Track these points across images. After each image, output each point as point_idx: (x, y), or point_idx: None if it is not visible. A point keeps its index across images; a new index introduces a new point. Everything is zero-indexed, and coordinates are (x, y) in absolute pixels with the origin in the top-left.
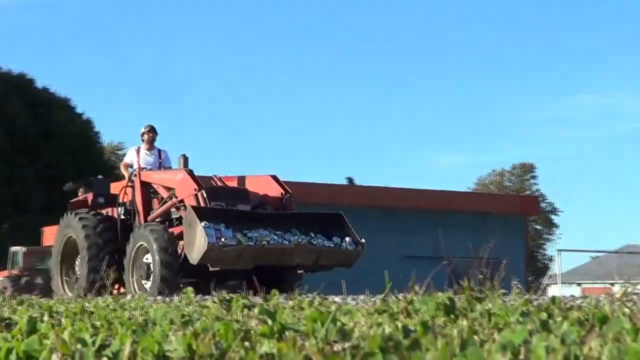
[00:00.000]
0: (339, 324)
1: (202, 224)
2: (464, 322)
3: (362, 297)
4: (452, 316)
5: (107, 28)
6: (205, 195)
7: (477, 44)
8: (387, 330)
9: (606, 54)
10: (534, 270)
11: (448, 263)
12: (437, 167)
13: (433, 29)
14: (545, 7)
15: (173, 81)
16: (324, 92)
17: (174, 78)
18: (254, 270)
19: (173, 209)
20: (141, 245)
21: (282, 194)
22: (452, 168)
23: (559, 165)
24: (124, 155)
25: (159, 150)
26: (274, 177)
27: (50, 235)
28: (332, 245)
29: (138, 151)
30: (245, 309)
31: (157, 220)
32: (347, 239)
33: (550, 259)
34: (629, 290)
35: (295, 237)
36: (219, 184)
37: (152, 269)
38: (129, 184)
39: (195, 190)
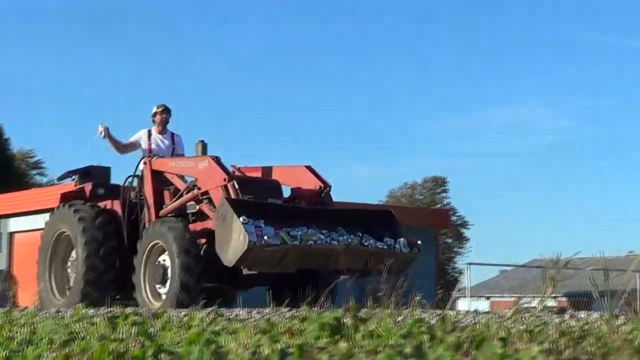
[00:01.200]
0: (212, 346)
1: (241, 219)
2: (343, 344)
3: (267, 310)
4: (336, 337)
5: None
6: (237, 186)
7: (389, 56)
8: (266, 351)
9: (517, 66)
10: (445, 283)
11: (348, 278)
12: (351, 178)
13: (345, 34)
14: (455, 20)
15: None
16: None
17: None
18: (284, 277)
19: (190, 203)
20: (156, 244)
21: (320, 187)
22: (364, 180)
23: (470, 179)
24: (34, 162)
25: (172, 134)
26: (310, 168)
27: None
28: (385, 247)
29: (150, 134)
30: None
31: (170, 215)
32: (402, 240)
33: (460, 272)
34: (523, 306)
35: (344, 237)
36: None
37: (169, 273)
38: (138, 173)
39: (224, 180)
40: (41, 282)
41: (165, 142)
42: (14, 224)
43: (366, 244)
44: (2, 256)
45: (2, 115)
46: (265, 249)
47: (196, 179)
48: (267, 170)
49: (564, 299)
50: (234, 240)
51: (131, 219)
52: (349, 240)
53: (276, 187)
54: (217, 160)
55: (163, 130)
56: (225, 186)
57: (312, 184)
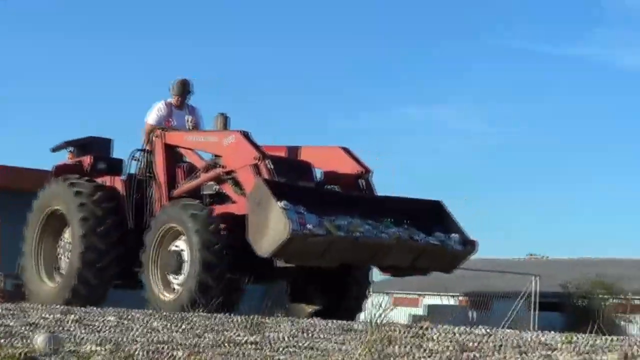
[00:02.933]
0: None
1: (281, 203)
2: None
3: None
4: None
5: None
6: (271, 166)
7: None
8: None
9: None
10: None
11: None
12: None
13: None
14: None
15: None
16: None
17: None
18: (312, 278)
19: (211, 183)
20: (171, 228)
21: (359, 172)
22: None
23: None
24: None
25: (192, 108)
26: (346, 150)
27: None
28: (438, 243)
29: (169, 106)
30: None
31: (184, 196)
32: (454, 236)
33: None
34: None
35: (394, 230)
36: None
37: (185, 265)
38: (144, 146)
39: (256, 159)
40: (27, 262)
41: (185, 119)
42: None
43: (417, 238)
44: None
45: None
46: (309, 239)
47: (219, 156)
48: (293, 150)
49: (463, 297)
50: (272, 228)
51: (136, 198)
52: (400, 233)
53: (308, 168)
54: (247, 135)
55: (181, 105)
56: (256, 165)
57: (349, 167)
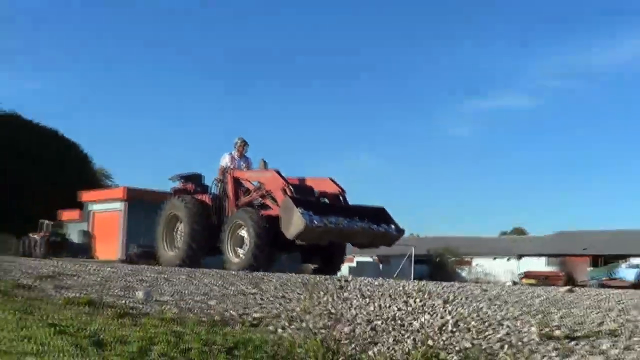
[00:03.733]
0: None
1: (299, 209)
2: None
3: None
4: None
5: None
6: (292, 189)
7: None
8: None
9: None
10: None
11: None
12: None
13: None
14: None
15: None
16: None
17: None
18: (314, 251)
19: (258, 198)
20: (237, 222)
21: (339, 191)
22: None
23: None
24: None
25: (247, 158)
26: (332, 179)
27: (63, 215)
28: (383, 230)
29: (232, 157)
30: None
31: (244, 205)
32: (392, 226)
33: None
34: None
35: (360, 224)
36: None
37: (246, 241)
38: (220, 177)
39: (283, 185)
40: (158, 242)
41: (242, 163)
42: (95, 206)
43: (373, 228)
44: (87, 224)
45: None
46: (315, 228)
47: (263, 183)
48: (302, 180)
49: (376, 257)
50: (295, 222)
51: (217, 206)
52: (363, 226)
53: (311, 190)
54: (278, 172)
55: (241, 155)
56: (284, 189)
57: (333, 189)
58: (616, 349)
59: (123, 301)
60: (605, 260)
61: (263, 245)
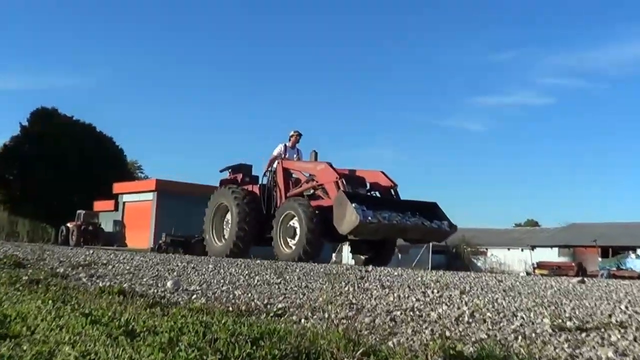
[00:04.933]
0: None
1: (353, 205)
2: None
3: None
4: None
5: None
6: (344, 182)
7: None
8: None
9: None
10: None
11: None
12: None
13: None
14: None
15: None
16: None
17: None
18: (364, 241)
19: (310, 189)
20: (289, 213)
21: (391, 185)
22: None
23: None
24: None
25: (298, 150)
26: (383, 172)
27: (99, 206)
28: (435, 227)
29: (285, 147)
30: None
31: (294, 196)
32: (445, 222)
33: None
34: None
35: (413, 219)
36: None
37: (297, 231)
38: (270, 169)
39: (336, 178)
40: (206, 233)
41: (293, 155)
42: (126, 197)
43: (425, 224)
44: (119, 214)
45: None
46: (368, 224)
47: (314, 175)
48: (353, 171)
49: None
50: (348, 217)
51: (266, 197)
52: (416, 221)
53: (363, 182)
54: (331, 165)
55: (293, 146)
56: (337, 182)
57: (385, 182)
58: (626, 340)
59: (153, 290)
60: (614, 251)
61: (314, 236)
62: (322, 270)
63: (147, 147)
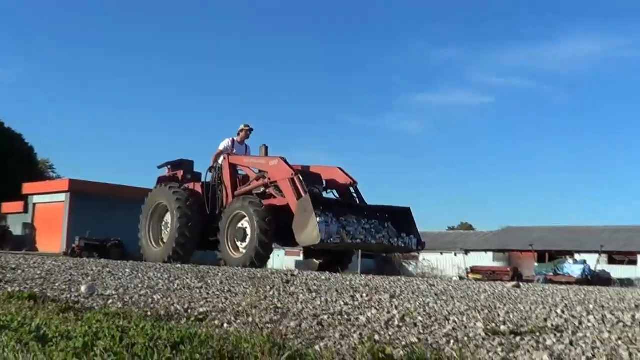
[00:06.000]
0: None
1: (318, 219)
2: None
3: None
4: None
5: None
6: (301, 179)
7: None
8: None
9: None
10: None
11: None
12: None
13: None
14: None
15: None
16: None
17: None
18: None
19: (261, 187)
20: (238, 213)
21: (350, 182)
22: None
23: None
24: (49, 165)
25: (247, 146)
26: (341, 169)
27: (6, 207)
28: (403, 245)
29: (233, 142)
30: None
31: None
32: (414, 238)
33: None
34: None
35: (379, 236)
36: None
37: (248, 234)
38: (215, 165)
39: (291, 174)
40: (142, 234)
41: (242, 151)
42: (37, 198)
43: (391, 242)
44: (29, 216)
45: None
46: (329, 244)
47: (266, 171)
48: (307, 167)
49: None
50: (309, 232)
51: (210, 196)
52: (382, 239)
53: (319, 179)
54: (285, 160)
55: (242, 142)
56: (292, 179)
57: (343, 179)
58: (561, 344)
59: (66, 295)
60: (551, 256)
61: (268, 238)
62: (246, 274)
63: (60, 146)
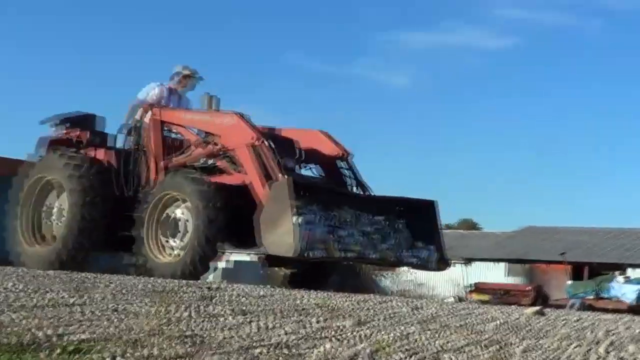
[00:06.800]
0: None
1: (295, 219)
2: None
3: None
4: None
5: None
6: (272, 146)
7: None
8: None
9: None
10: None
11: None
12: None
13: None
14: None
15: None
16: None
17: None
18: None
19: (204, 157)
20: (170, 195)
21: (339, 154)
22: None
23: None
24: None
25: (183, 97)
26: (325, 133)
27: None
28: (417, 262)
29: (167, 90)
30: None
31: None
32: (435, 252)
33: None
34: None
35: (384, 246)
36: None
37: (186, 226)
38: (135, 123)
39: (254, 139)
40: (15, 230)
41: (178, 101)
42: None
43: (401, 256)
44: None
45: None
46: (308, 257)
47: (216, 133)
48: (273, 130)
49: (261, 255)
50: (281, 237)
51: (124, 169)
52: (387, 252)
53: (292, 145)
54: (244, 117)
55: (175, 91)
56: (254, 145)
57: (328, 149)
58: None
59: None
60: (592, 271)
61: (215, 236)
62: (148, 287)
63: None
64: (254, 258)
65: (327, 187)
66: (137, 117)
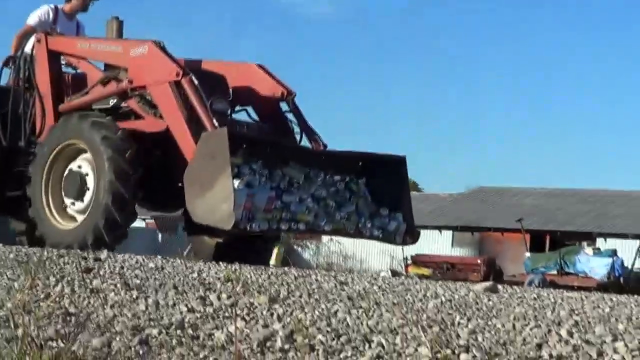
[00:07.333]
0: None
1: (236, 183)
2: None
3: None
4: None
5: None
6: (197, 83)
7: None
8: None
9: None
10: None
11: None
12: None
13: None
14: None
15: None
16: None
17: None
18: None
19: (110, 97)
20: (70, 145)
21: (281, 93)
22: None
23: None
24: None
25: (80, 23)
26: (262, 67)
27: None
28: (380, 234)
29: (56, 11)
30: None
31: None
32: (402, 223)
33: None
34: None
35: (341, 215)
36: None
37: (90, 185)
38: (20, 54)
39: (177, 75)
40: None
41: (72, 30)
42: None
43: (362, 230)
44: None
45: None
46: (249, 229)
47: (125, 66)
48: (197, 63)
49: (151, 220)
50: (215, 204)
51: (9, 112)
52: (345, 222)
53: (223, 82)
54: (162, 47)
55: (72, 14)
56: (178, 82)
57: (267, 88)
58: None
59: None
60: (554, 241)
61: (129, 193)
62: (12, 255)
63: None
64: (150, 222)
65: (271, 139)
66: (24, 47)
